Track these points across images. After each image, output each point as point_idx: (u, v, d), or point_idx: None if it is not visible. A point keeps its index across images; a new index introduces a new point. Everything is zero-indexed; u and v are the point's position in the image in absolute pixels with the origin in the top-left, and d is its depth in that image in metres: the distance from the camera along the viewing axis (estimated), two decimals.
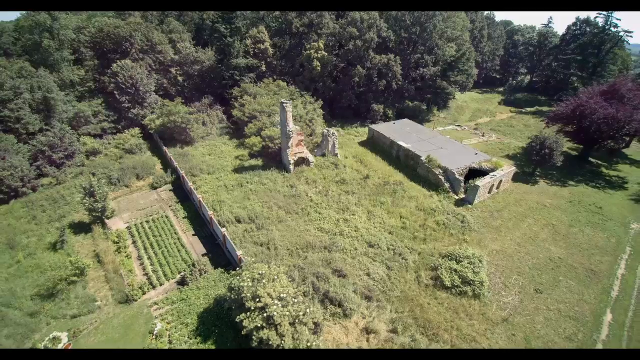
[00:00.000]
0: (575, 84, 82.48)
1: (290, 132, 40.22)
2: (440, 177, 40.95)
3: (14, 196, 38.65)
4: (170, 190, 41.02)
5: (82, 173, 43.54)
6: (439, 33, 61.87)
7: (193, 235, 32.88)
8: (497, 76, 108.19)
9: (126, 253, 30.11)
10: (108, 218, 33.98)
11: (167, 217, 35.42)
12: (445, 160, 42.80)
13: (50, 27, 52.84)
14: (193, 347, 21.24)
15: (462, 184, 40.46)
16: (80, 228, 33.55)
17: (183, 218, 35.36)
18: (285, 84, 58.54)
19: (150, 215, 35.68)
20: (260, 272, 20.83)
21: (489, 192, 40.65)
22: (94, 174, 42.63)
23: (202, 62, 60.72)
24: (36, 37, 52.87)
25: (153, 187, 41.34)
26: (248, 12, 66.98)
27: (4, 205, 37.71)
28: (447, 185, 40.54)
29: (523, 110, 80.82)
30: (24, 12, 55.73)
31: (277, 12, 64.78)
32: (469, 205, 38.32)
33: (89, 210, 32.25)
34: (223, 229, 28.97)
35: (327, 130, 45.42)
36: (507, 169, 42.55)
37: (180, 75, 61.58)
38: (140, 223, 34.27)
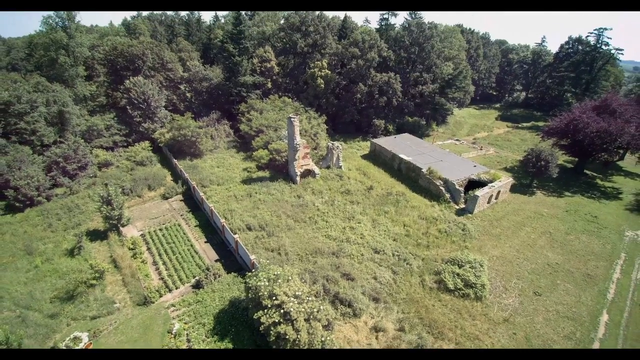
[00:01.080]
0: (570, 100, 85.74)
1: (298, 145, 42.15)
2: (441, 188, 42.66)
3: (30, 205, 40.03)
4: (181, 200, 42.52)
5: (94, 184, 45.11)
6: (437, 53, 65.13)
7: (205, 242, 34.18)
8: (494, 93, 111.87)
9: (142, 259, 31.32)
10: (123, 226, 35.33)
11: (179, 225, 36.77)
12: (446, 172, 44.63)
13: (66, 44, 55.56)
14: (211, 345, 22.25)
15: (462, 194, 42.13)
16: (95, 235, 34.85)
17: (195, 226, 36.72)
18: (290, 100, 61.11)
19: (163, 224, 37.03)
20: (275, 272, 22.13)
21: (488, 202, 42.28)
22: (107, 184, 44.06)
23: (210, 79, 63.49)
24: (52, 54, 55.48)
25: (165, 198, 42.84)
26: (255, 32, 70.36)
27: (20, 213, 39.08)
28: (447, 195, 42.20)
29: (519, 125, 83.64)
30: (40, 29, 58.33)
31: (283, 33, 68.15)
32: (469, 215, 39.86)
33: (105, 218, 33.62)
34: (236, 236, 30.34)
35: (332, 144, 47.44)
36: (505, 180, 44.36)
37: (189, 92, 64.23)
38: (154, 231, 35.58)
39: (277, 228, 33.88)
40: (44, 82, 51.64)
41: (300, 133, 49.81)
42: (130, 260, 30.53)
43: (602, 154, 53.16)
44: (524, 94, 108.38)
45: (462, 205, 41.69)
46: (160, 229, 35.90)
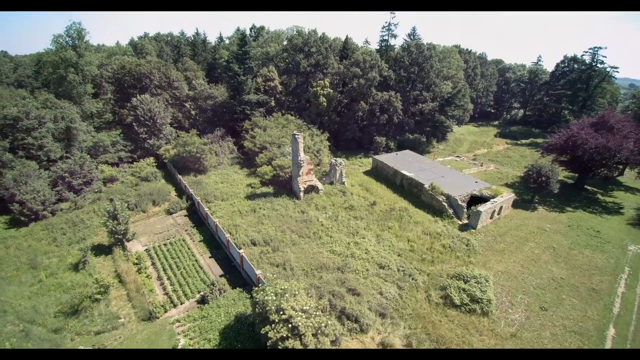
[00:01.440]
0: (567, 117, 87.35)
1: (302, 162, 42.81)
2: (443, 203, 43.02)
3: (35, 219, 40.22)
4: (185, 215, 42.75)
5: (99, 199, 45.46)
6: (436, 72, 66.98)
7: (210, 257, 34.21)
8: (492, 110, 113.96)
9: (146, 274, 31.29)
10: (128, 241, 35.40)
11: (183, 240, 36.87)
12: (448, 187, 45.10)
13: (76, 63, 57.17)
14: None
15: (465, 210, 42.44)
16: (100, 250, 34.90)
17: (199, 242, 36.82)
18: (293, 117, 62.35)
19: (168, 239, 37.14)
20: (283, 287, 22.19)
21: (490, 218, 42.52)
22: (112, 200, 44.51)
23: (215, 97, 64.89)
24: (62, 72, 56.97)
25: (169, 213, 43.09)
26: (259, 53, 72.49)
27: (24, 227, 39.24)
28: (450, 211, 42.50)
29: (518, 142, 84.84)
30: (50, 47, 59.91)
31: (286, 54, 70.29)
32: (473, 230, 40.04)
33: (111, 233, 33.79)
34: (241, 251, 30.45)
35: (335, 160, 48.14)
36: (507, 195, 44.78)
37: (193, 109, 65.58)
38: (159, 246, 35.66)
39: (281, 243, 33.99)
40: (53, 98, 52.73)
41: (303, 149, 50.79)
42: (135, 275, 30.51)
43: (601, 169, 53.80)
44: (521, 111, 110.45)
45: (465, 221, 41.92)
46: (165, 244, 35.99)
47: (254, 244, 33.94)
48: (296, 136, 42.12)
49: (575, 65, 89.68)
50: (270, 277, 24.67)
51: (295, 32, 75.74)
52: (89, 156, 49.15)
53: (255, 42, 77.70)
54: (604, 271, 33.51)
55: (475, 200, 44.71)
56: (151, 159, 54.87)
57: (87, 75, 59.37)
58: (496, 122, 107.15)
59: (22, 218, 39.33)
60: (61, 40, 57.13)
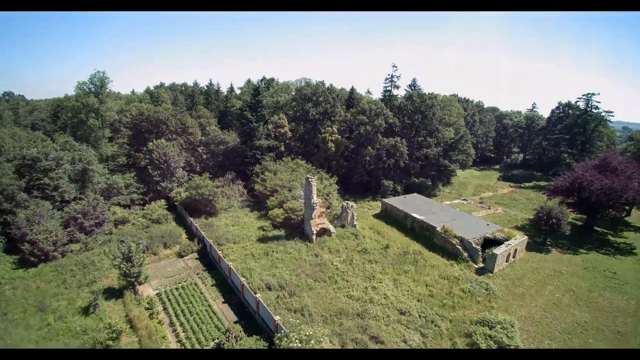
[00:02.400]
0: (567, 160, 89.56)
1: (314, 204, 43.33)
2: (457, 246, 42.68)
3: (44, 260, 39.60)
4: (196, 258, 42.14)
5: (110, 240, 45.19)
6: (438, 119, 70.21)
7: (223, 302, 33.17)
8: (492, 155, 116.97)
9: (158, 319, 30.15)
10: (140, 284, 34.57)
11: (195, 284, 36.00)
12: (460, 230, 45.04)
13: (97, 109, 60.12)
14: None
15: (480, 253, 41.99)
16: (110, 293, 33.93)
17: (211, 286, 35.92)
18: (303, 162, 64.12)
19: (179, 283, 36.28)
20: (307, 333, 21.45)
21: (506, 261, 41.93)
22: (122, 241, 44.20)
23: (227, 142, 67.31)
24: (83, 117, 59.72)
25: (180, 256, 42.54)
26: (270, 102, 76.55)
27: (33, 268, 38.55)
28: (465, 254, 42.03)
29: (522, 185, 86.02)
30: (72, 94, 63.32)
31: (295, 103, 74.31)
32: (490, 274, 39.29)
33: (124, 275, 33.13)
34: (257, 295, 29.67)
35: (347, 203, 48.66)
36: (520, 238, 44.56)
37: (205, 154, 67.61)
38: (170, 290, 34.75)
39: (297, 287, 33.20)
40: (72, 141, 54.50)
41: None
42: (147, 320, 29.37)
43: (609, 210, 54.18)
44: (521, 155, 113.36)
45: (481, 264, 41.28)
46: (177, 288, 35.09)
47: (269, 289, 33.15)
48: (310, 179, 43.13)
49: (570, 111, 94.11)
50: (294, 323, 23.81)
51: (303, 83, 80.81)
52: (102, 198, 49.72)
53: (266, 92, 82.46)
54: (627, 313, 32.76)
55: (489, 243, 44.42)
56: (162, 202, 55.34)
57: (107, 120, 62.22)
58: (497, 166, 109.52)
59: (32, 258, 38.85)
60: (85, 87, 60.79)
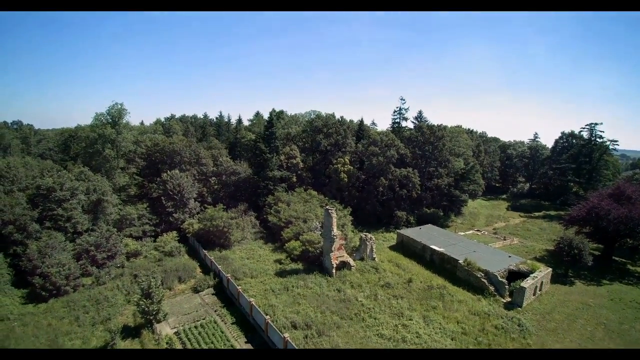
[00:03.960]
0: (575, 189, 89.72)
1: (335, 237, 42.52)
2: (483, 280, 41.43)
3: (55, 295, 37.95)
4: (212, 294, 40.54)
5: (122, 274, 43.62)
6: (449, 150, 71.08)
7: (246, 342, 31.45)
8: (498, 185, 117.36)
9: None
10: (159, 322, 32.90)
11: (215, 322, 34.28)
12: (482, 263, 43.94)
13: (113, 139, 60.44)
14: None
15: (507, 286, 40.70)
16: (126, 332, 32.17)
17: (232, 324, 34.24)
18: (315, 192, 63.87)
19: (198, 320, 34.56)
20: None
21: (533, 294, 40.60)
22: (136, 276, 42.72)
23: (239, 173, 67.31)
24: (99, 147, 59.88)
25: (196, 291, 40.94)
26: (281, 133, 77.62)
27: (43, 303, 36.86)
28: (491, 288, 40.71)
29: (532, 214, 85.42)
30: (89, 124, 63.58)
31: (305, 134, 75.37)
32: (519, 308, 37.87)
33: (142, 313, 31.60)
34: (286, 335, 28.17)
35: (365, 235, 47.84)
36: (545, 270, 43.44)
37: (216, 185, 67.35)
38: (189, 328, 33.00)
39: (324, 326, 31.62)
40: (87, 171, 54.05)
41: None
42: None
43: (627, 239, 53.43)
44: (527, 184, 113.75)
45: (508, 298, 39.87)
46: (196, 326, 33.34)
47: (295, 327, 31.56)
48: (329, 211, 42.68)
49: (574, 141, 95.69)
50: None
51: (314, 116, 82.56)
52: (115, 229, 48.66)
53: (278, 124, 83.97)
54: None
55: (513, 275, 43.25)
56: (174, 233, 54.21)
57: (122, 151, 62.46)
58: (504, 196, 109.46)
59: (43, 293, 37.31)
60: (102, 118, 61.52)
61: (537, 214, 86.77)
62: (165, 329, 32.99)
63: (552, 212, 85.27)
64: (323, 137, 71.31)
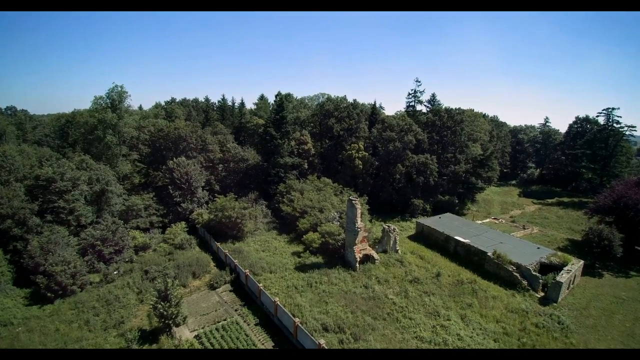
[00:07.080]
0: (588, 175, 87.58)
1: (359, 229, 39.95)
2: (515, 274, 39.33)
3: (61, 295, 35.30)
4: (230, 290, 38.06)
5: (132, 270, 41.02)
6: (467, 135, 67.94)
7: (273, 347, 29.21)
8: (507, 171, 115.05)
9: None
10: (177, 325, 30.45)
11: (237, 324, 31.92)
12: (512, 255, 41.77)
13: (114, 125, 56.10)
14: None
15: (541, 280, 38.70)
16: (142, 337, 29.64)
17: (255, 325, 31.89)
18: (329, 180, 60.90)
19: (218, 322, 32.17)
20: None
21: (567, 288, 38.73)
22: (147, 272, 40.12)
23: (247, 160, 63.94)
24: (99, 133, 55.65)
25: (212, 287, 38.43)
26: (291, 118, 73.73)
27: (49, 304, 34.28)
28: (524, 282, 38.69)
29: (545, 201, 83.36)
30: (91, 107, 58.63)
31: (316, 118, 71.60)
32: (554, 304, 36.00)
33: (160, 317, 29.09)
34: (322, 341, 25.83)
35: (388, 227, 45.33)
36: (577, 263, 41.49)
37: (224, 172, 64.05)
38: (210, 331, 30.64)
39: (357, 328, 29.40)
40: (89, 160, 50.37)
41: (345, 213, 48.14)
42: None
43: None
44: (537, 170, 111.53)
45: (542, 293, 37.96)
46: (217, 329, 30.98)
47: (326, 330, 29.33)
48: (353, 201, 39.93)
49: (589, 126, 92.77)
50: None
51: (324, 99, 78.42)
52: (121, 221, 45.66)
53: (288, 107, 79.86)
54: None
55: (544, 268, 41.27)
56: (182, 224, 51.37)
57: (124, 137, 58.38)
58: (514, 182, 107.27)
59: (48, 294, 34.62)
60: (101, 102, 56.70)
61: (549, 200, 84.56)
62: (184, 333, 30.58)
63: (566, 199, 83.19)
64: (335, 122, 67.70)
